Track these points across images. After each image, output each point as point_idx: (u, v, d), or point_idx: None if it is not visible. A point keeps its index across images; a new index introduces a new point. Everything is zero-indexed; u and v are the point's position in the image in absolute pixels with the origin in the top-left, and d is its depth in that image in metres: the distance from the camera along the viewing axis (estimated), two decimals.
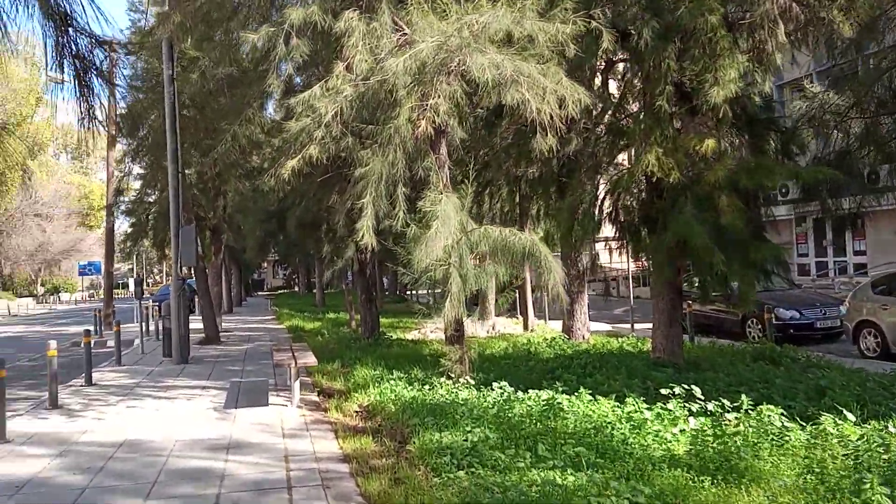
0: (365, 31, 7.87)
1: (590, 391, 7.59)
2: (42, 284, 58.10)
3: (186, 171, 18.25)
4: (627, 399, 7.34)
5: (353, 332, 17.59)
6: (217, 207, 18.73)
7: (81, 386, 10.59)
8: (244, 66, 12.67)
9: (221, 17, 8.91)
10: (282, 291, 57.03)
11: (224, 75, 13.12)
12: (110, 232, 20.58)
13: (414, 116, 8.04)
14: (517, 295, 23.40)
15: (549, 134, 7.92)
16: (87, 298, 60.85)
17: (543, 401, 7.18)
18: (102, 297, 22.21)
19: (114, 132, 18.55)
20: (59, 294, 60.16)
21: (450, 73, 7.85)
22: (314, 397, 9.30)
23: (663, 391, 7.18)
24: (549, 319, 19.56)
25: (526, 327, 17.87)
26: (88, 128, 6.90)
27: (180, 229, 12.70)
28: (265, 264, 60.36)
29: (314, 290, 48.24)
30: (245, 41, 7.68)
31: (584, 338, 15.15)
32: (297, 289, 57.39)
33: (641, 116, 10.39)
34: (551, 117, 7.90)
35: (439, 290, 12.39)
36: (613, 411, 7.04)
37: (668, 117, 9.70)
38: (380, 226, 8.82)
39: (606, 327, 18.86)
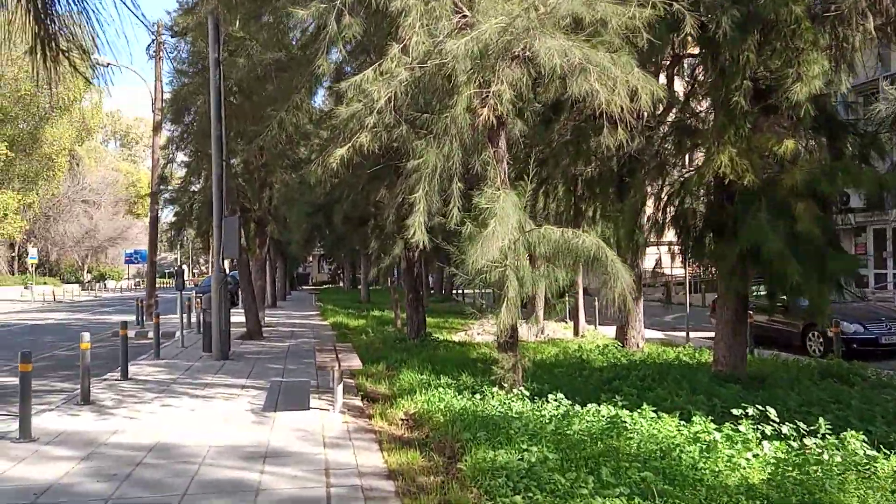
0: (423, 11, 7.31)
1: (653, 407, 6.92)
2: (89, 271, 59.30)
3: (232, 161, 18.02)
4: (693, 417, 6.67)
5: (398, 332, 17.11)
6: (262, 199, 18.45)
7: (117, 380, 10.29)
8: (292, 52, 12.28)
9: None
10: (327, 286, 57.16)
11: (272, 60, 12.76)
12: (154, 220, 20.47)
13: (474, 104, 7.47)
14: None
15: (618, 128, 7.25)
16: (133, 287, 61.91)
17: (605, 418, 6.53)
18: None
19: (159, 117, 18.37)
20: (105, 281, 61.34)
21: (514, 58, 7.24)
22: (358, 402, 8.79)
23: (734, 411, 6.52)
24: (600, 325, 18.79)
25: (576, 333, 17.15)
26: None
27: (223, 219, 12.35)
28: (311, 258, 60.51)
29: (359, 287, 48.21)
30: (294, 17, 7.16)
31: (638, 346, 14.39)
32: (341, 284, 57.46)
33: (714, 114, 9.67)
34: (622, 110, 7.25)
35: (489, 292, 11.83)
36: (679, 431, 6.37)
37: (743, 115, 8.95)
38: (431, 222, 8.27)
39: (658, 335, 18.01)
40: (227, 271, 28.52)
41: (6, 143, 35.28)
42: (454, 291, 36.86)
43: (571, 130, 13.27)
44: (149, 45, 19.12)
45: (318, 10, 7.11)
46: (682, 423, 6.57)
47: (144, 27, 7.08)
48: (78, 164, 52.31)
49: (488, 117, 6.66)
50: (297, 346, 14.60)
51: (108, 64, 22.82)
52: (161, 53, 19.89)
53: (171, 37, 16.44)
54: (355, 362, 8.38)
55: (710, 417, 6.74)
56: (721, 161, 8.55)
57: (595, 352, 13.37)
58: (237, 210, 14.12)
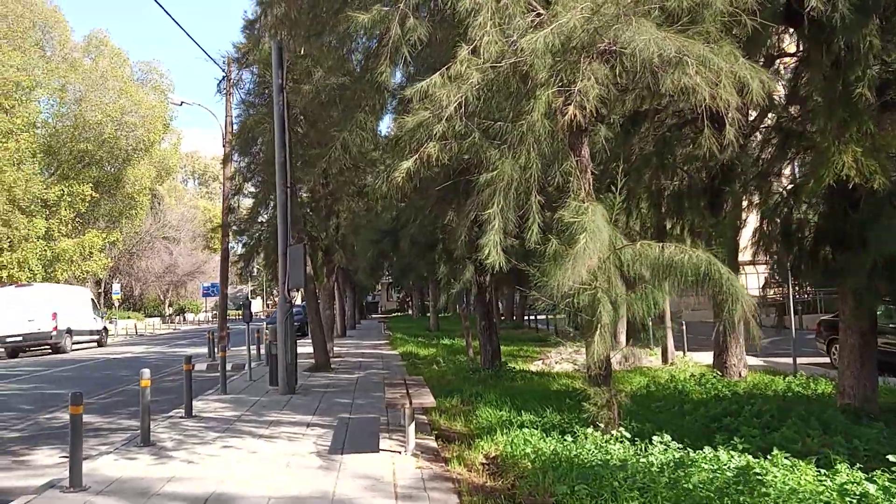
0: (494, 9, 6.56)
1: (785, 453, 5.79)
2: (170, 305, 61.04)
3: (299, 190, 17.72)
4: (836, 465, 5.53)
5: (470, 362, 16.24)
6: (329, 227, 18.06)
7: (181, 418, 9.79)
8: (355, 75, 11.80)
9: (330, 7, 7.87)
10: (396, 315, 56.90)
11: (336, 85, 12.31)
12: (225, 253, 20.41)
13: (554, 107, 6.64)
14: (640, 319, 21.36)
15: (725, 128, 6.25)
16: (211, 319, 63.38)
17: (732, 468, 5.45)
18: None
19: (228, 149, 18.31)
20: (185, 314, 62.99)
21: (600, 53, 6.39)
22: (432, 442, 7.95)
23: (891, 457, 5.35)
24: (689, 350, 17.38)
25: (665, 360, 15.84)
26: None
27: (288, 248, 11.86)
28: (379, 287, 60.53)
29: (428, 314, 47.63)
30: (355, 27, 6.53)
31: (740, 375, 13.02)
32: (410, 312, 57.07)
33: (827, 111, 8.51)
34: (727, 106, 6.29)
35: (564, 317, 10.81)
36: (821, 482, 5.24)
37: (867, 110, 7.79)
38: (506, 242, 7.43)
39: (756, 361, 16.48)
40: (299, 301, 28.39)
41: (91, 185, 36.72)
42: (526, 317, 35.72)
43: (655, 140, 12.27)
44: (219, 83, 19.22)
45: (380, 13, 6.46)
46: (823, 471, 5.45)
47: (214, 63, 6.61)
48: (159, 203, 54.18)
49: (573, 117, 5.80)
50: (366, 379, 13.91)
51: (182, 102, 23.23)
52: (231, 89, 19.96)
53: (237, 69, 16.34)
54: (428, 399, 7.54)
55: (855, 464, 5.58)
56: (843, 162, 7.40)
57: (691, 382, 12.12)
58: (303, 238, 13.68)
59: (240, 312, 54.10)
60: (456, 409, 9.89)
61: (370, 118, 10.10)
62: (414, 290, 46.87)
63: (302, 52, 12.13)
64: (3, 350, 25.92)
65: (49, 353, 26.36)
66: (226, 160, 18.15)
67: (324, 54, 8.39)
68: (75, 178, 36.46)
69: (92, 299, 31.40)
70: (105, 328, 32.01)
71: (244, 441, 8.14)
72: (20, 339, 25.56)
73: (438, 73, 6.35)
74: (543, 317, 31.94)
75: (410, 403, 7.21)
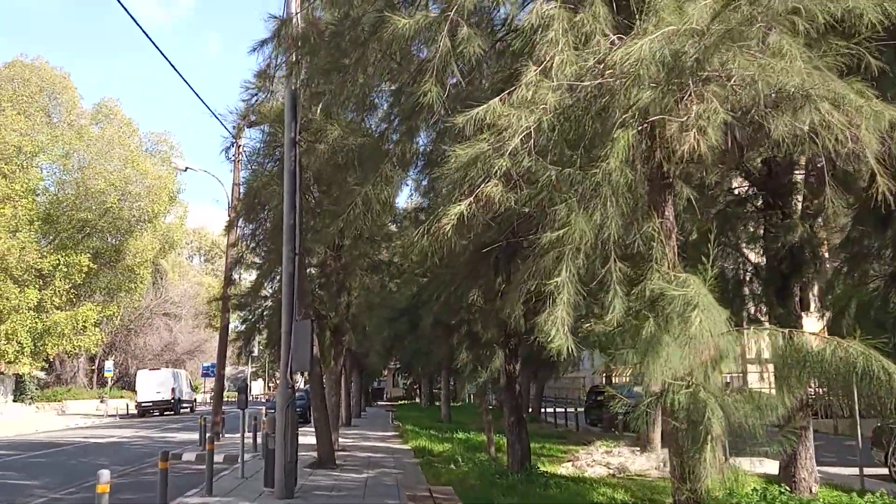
0: (567, 26, 5.27)
1: None
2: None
3: (309, 264, 16.30)
4: None
5: (492, 462, 14.32)
6: (340, 305, 16.51)
7: None
8: (376, 135, 10.62)
9: (354, 39, 6.59)
10: (402, 402, 54.37)
11: (355, 146, 11.09)
12: (224, 329, 18.83)
13: (637, 149, 5.25)
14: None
15: (880, 177, 4.80)
16: (208, 402, 60.78)
17: None
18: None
19: (234, 215, 17.01)
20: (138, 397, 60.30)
21: (704, 80, 5.03)
22: None
23: None
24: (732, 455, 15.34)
25: None
26: None
27: (293, 324, 10.29)
28: (385, 372, 58.26)
29: (437, 403, 45.20)
30: (392, 26, 5.20)
31: (810, 491, 11.07)
32: (418, 400, 54.54)
33: None
34: (861, 151, 4.91)
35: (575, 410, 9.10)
36: None
37: None
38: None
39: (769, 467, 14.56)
40: (301, 385, 26.44)
41: (90, 256, 35.42)
42: (542, 410, 33.46)
43: (716, 214, 10.90)
44: (227, 149, 18.16)
45: (427, 20, 5.16)
46: None
47: (221, 124, 5.27)
48: (162, 278, 52.81)
49: (693, 144, 4.36)
50: (377, 481, 11.99)
51: (186, 168, 22.21)
52: (238, 154, 18.91)
53: (248, 126, 15.24)
54: None
55: None
56: None
57: (755, 498, 10.22)
58: (310, 315, 12.12)
59: (230, 396, 51.94)
60: None
61: (397, 171, 8.73)
62: (423, 378, 44.67)
63: (318, 104, 10.95)
64: (136, 411, 39.05)
65: (170, 413, 39.86)
66: (230, 226, 16.78)
67: (346, 91, 7.11)
68: (73, 248, 35.01)
69: (188, 378, 45.31)
70: (195, 398, 44.99)
71: None
72: (150, 404, 38.97)
73: (498, 97, 4.99)
74: (562, 410, 29.78)
75: None
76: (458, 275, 12.02)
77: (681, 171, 7.02)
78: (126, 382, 53.02)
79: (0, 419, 32.46)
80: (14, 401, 37.56)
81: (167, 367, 56.58)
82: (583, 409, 30.02)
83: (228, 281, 17.26)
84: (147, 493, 11.48)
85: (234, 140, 18.21)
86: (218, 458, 15.75)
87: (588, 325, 6.50)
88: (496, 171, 4.71)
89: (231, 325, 21.71)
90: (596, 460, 15.29)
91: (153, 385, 38.88)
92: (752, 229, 11.13)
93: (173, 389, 39.54)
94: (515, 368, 12.47)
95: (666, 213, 6.13)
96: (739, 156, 7.76)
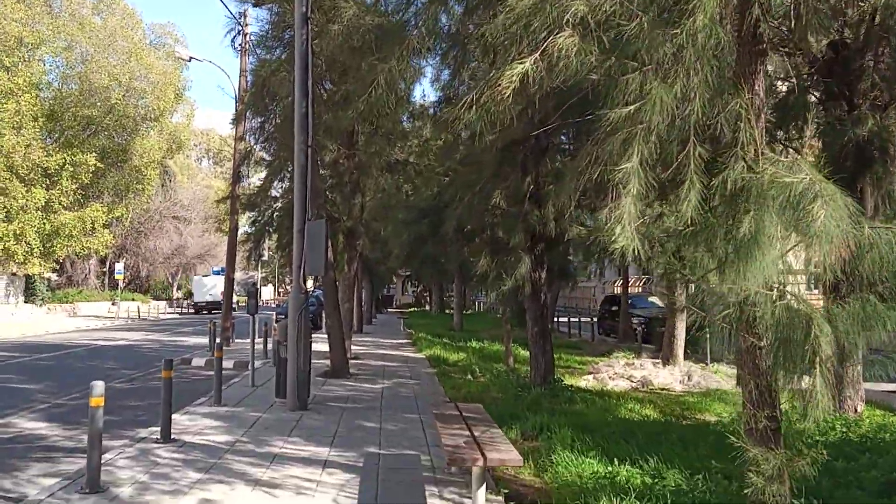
0: None
1: None
2: (178, 288, 58.88)
3: (319, 161, 15.31)
4: None
5: (511, 373, 13.76)
6: (353, 207, 15.60)
7: (156, 442, 7.35)
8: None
9: None
10: (412, 310, 54.41)
11: (372, 25, 9.84)
12: (233, 232, 18.01)
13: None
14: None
15: None
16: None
17: None
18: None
19: (242, 107, 15.79)
20: (193, 299, 60.79)
21: None
22: (498, 500, 5.47)
23: None
24: None
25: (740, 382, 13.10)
26: None
27: (306, 224, 9.41)
28: (395, 279, 58.16)
29: (447, 311, 45.02)
30: None
31: (856, 410, 10.42)
32: (428, 307, 54.55)
33: None
34: None
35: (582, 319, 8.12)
36: None
37: None
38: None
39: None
40: (312, 290, 26.04)
41: (96, 155, 34.35)
42: (555, 319, 33.02)
43: None
44: (233, 39, 16.73)
45: None
46: None
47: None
48: (171, 180, 51.88)
49: None
50: (394, 392, 11.44)
51: (191, 59, 20.80)
52: (246, 44, 17.50)
53: (255, 5, 13.80)
54: (509, 454, 5.03)
55: None
56: None
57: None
58: (324, 215, 11.20)
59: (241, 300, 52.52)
60: (518, 447, 7.40)
61: (420, 53, 7.55)
62: (434, 285, 44.33)
63: None
64: (193, 309, 47.10)
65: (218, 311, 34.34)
66: (238, 118, 15.57)
67: None
68: (79, 147, 33.90)
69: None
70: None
71: (234, 491, 5.69)
72: (204, 304, 45.75)
73: None
74: (576, 320, 29.38)
75: (485, 461, 4.70)
76: (482, 175, 11.03)
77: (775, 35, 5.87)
78: (137, 285, 53.18)
79: (10, 320, 32.47)
80: (25, 302, 37.58)
81: (182, 271, 56.78)
82: (595, 319, 29.64)
83: (237, 178, 16.29)
84: (154, 399, 10.97)
85: (239, 25, 16.80)
86: (228, 363, 15.29)
87: (651, 220, 5.67)
88: (569, 19, 3.63)
89: (241, 230, 20.96)
90: (617, 373, 14.73)
91: (206, 288, 46.05)
92: (817, 122, 9.95)
93: (221, 293, 44.30)
94: (541, 276, 11.63)
95: (756, 86, 5.03)
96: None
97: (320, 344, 15.46)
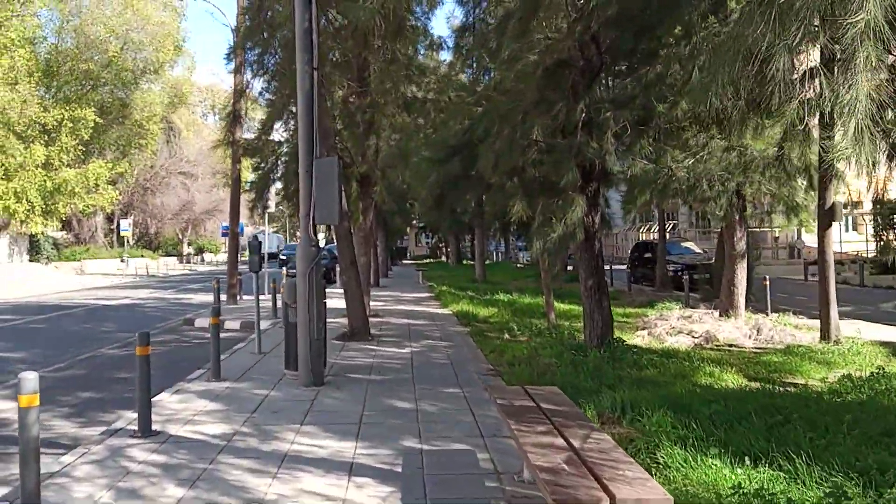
0: None
1: None
2: (189, 244, 57.60)
3: (327, 95, 13.48)
4: None
5: (553, 329, 12.15)
6: (367, 150, 13.80)
7: (132, 436, 5.78)
8: None
9: None
10: (428, 261, 52.86)
11: None
12: (236, 183, 16.32)
13: None
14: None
15: None
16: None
17: None
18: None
19: (237, 39, 13.85)
20: (203, 255, 59.55)
21: None
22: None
23: None
24: (854, 318, 12.75)
25: (826, 335, 11.22)
26: None
27: (314, 162, 7.66)
28: (408, 230, 56.52)
29: (464, 262, 43.43)
30: None
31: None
32: (444, 259, 52.97)
33: None
34: None
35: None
36: None
37: None
38: None
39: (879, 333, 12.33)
40: (322, 241, 24.58)
41: (95, 110, 32.64)
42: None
43: None
44: None
45: None
46: None
47: None
48: (176, 136, 50.10)
49: None
50: (425, 356, 9.84)
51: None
52: None
53: None
54: (645, 488, 3.28)
55: None
56: None
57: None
58: (336, 154, 9.42)
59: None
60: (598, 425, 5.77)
61: None
62: (450, 235, 42.63)
63: None
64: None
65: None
66: (234, 51, 13.59)
67: None
68: (78, 102, 32.24)
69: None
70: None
71: None
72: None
73: None
74: (607, 267, 27.58)
75: None
76: (523, 103, 9.17)
77: None
78: (146, 242, 51.89)
79: (14, 279, 31.26)
80: (30, 261, 36.39)
81: (192, 227, 55.44)
82: (625, 267, 27.94)
83: (235, 118, 14.44)
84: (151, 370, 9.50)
85: None
86: (234, 324, 13.84)
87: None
88: None
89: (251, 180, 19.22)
90: (674, 327, 13.06)
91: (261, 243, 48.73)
92: None
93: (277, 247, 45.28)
94: (595, 221, 9.88)
95: None
96: None
97: (335, 300, 13.90)
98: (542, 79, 9.24)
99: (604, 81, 9.70)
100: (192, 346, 11.97)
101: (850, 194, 18.96)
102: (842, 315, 11.97)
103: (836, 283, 23.58)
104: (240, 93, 13.87)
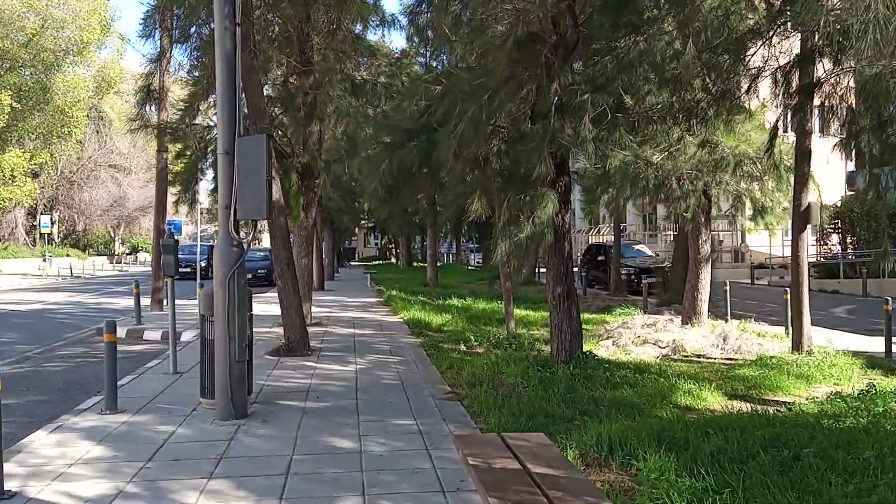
0: None
1: None
2: (122, 243, 54.48)
3: (265, 78, 12.01)
4: None
5: (515, 340, 10.95)
6: (310, 137, 12.34)
7: None
8: None
9: None
10: (377, 263, 51.21)
11: None
12: (161, 174, 14.61)
13: None
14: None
15: None
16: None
17: None
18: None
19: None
20: (138, 255, 56.45)
21: None
22: None
23: None
24: (824, 327, 11.85)
25: (798, 345, 10.31)
26: None
27: (237, 141, 6.23)
28: (357, 230, 54.80)
29: (415, 263, 42.04)
30: None
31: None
32: (394, 260, 51.44)
33: None
34: None
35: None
36: None
37: None
38: None
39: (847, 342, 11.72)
40: (240, 244, 22.73)
41: (12, 94, 29.96)
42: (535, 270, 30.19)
43: None
44: None
45: None
46: None
47: None
48: (107, 127, 47.09)
49: None
50: (373, 376, 8.45)
51: None
52: None
53: None
54: None
55: None
56: None
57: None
58: (268, 131, 7.92)
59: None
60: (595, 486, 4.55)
61: None
62: (401, 236, 41.19)
63: None
64: None
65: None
66: (158, 8, 11.72)
67: None
68: None
69: None
70: None
71: None
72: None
73: None
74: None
75: None
76: (490, 81, 7.91)
77: None
78: (74, 240, 48.76)
79: None
80: None
81: (125, 224, 52.40)
82: (577, 270, 27.07)
83: (147, 95, 12.74)
84: (44, 393, 7.93)
85: None
86: (154, 335, 12.21)
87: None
88: None
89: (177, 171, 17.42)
90: (640, 336, 12.06)
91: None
92: None
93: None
94: (565, 220, 8.71)
95: None
96: None
97: (273, 306, 12.39)
98: (513, 51, 7.99)
99: (580, 60, 8.53)
100: (101, 361, 10.30)
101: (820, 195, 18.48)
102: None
103: (778, 286, 23.09)
104: (155, 61, 12.18)
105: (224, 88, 6.29)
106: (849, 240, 26.33)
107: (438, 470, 4.82)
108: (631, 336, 12.07)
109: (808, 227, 11.06)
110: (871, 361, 9.63)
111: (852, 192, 28.90)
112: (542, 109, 7.84)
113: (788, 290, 13.63)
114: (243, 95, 9.14)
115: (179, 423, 6.12)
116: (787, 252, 29.60)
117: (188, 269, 24.24)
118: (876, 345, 11.32)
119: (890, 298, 11.00)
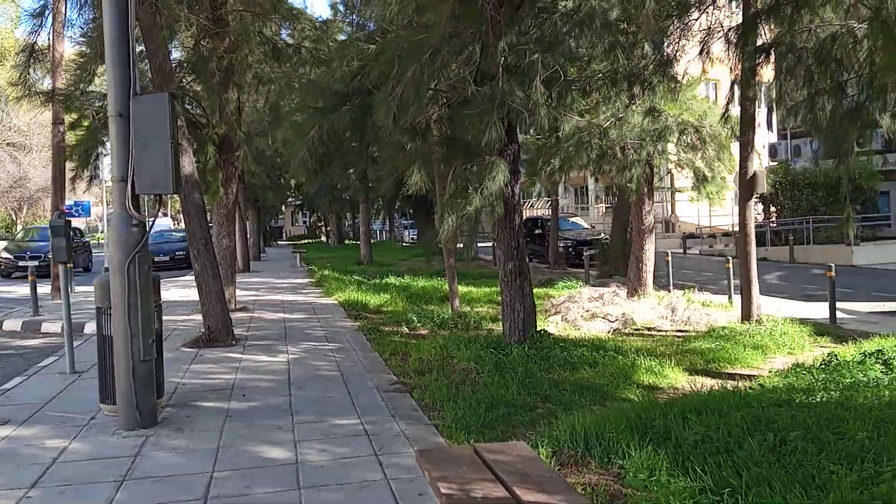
0: None
1: None
2: (24, 226, 50.72)
3: (173, 40, 10.79)
4: None
5: (459, 319, 10.27)
6: (227, 106, 11.17)
7: None
8: None
9: None
10: (306, 242, 49.47)
11: None
12: (58, 148, 13.11)
13: None
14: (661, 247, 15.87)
15: None
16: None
17: None
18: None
19: None
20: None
21: None
22: None
23: None
24: (764, 294, 11.64)
25: (747, 315, 10.04)
26: None
27: (131, 100, 5.18)
28: (284, 208, 52.93)
29: (346, 242, 40.74)
30: None
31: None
32: (324, 238, 49.86)
33: None
34: None
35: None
36: None
37: None
38: None
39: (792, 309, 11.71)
40: (142, 222, 21.27)
41: None
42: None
43: None
44: None
45: None
46: None
47: None
48: (3, 102, 43.35)
49: None
50: (307, 367, 7.55)
51: None
52: None
53: None
54: None
55: None
56: None
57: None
58: (172, 91, 6.80)
59: (100, 237, 45.69)
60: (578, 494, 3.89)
61: None
62: (331, 213, 39.79)
63: None
64: None
65: None
66: None
67: None
68: None
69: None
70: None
71: None
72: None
73: None
74: (489, 245, 26.15)
75: None
76: (431, 38, 7.05)
77: None
78: None
79: None
80: None
81: (28, 206, 48.72)
82: None
83: (31, 54, 11.27)
84: None
85: None
86: (53, 327, 10.95)
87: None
88: None
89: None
90: (588, 310, 11.59)
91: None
92: None
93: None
94: (514, 192, 8.01)
95: None
96: None
97: (193, 290, 11.27)
98: (454, 6, 7.15)
99: (528, 19, 7.77)
100: None
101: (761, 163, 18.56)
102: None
103: (710, 256, 23.28)
104: (37, 16, 10.71)
105: (115, 37, 5.21)
106: (772, 208, 26.95)
107: (392, 482, 4.06)
108: (579, 310, 11.58)
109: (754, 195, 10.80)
110: (818, 328, 9.49)
111: (774, 163, 29.62)
112: (488, 71, 7.07)
113: (730, 259, 13.55)
114: (143, 49, 7.99)
115: (74, 435, 5.11)
116: (716, 222, 30.18)
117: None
118: (816, 311, 11.31)
119: (833, 265, 10.89)
